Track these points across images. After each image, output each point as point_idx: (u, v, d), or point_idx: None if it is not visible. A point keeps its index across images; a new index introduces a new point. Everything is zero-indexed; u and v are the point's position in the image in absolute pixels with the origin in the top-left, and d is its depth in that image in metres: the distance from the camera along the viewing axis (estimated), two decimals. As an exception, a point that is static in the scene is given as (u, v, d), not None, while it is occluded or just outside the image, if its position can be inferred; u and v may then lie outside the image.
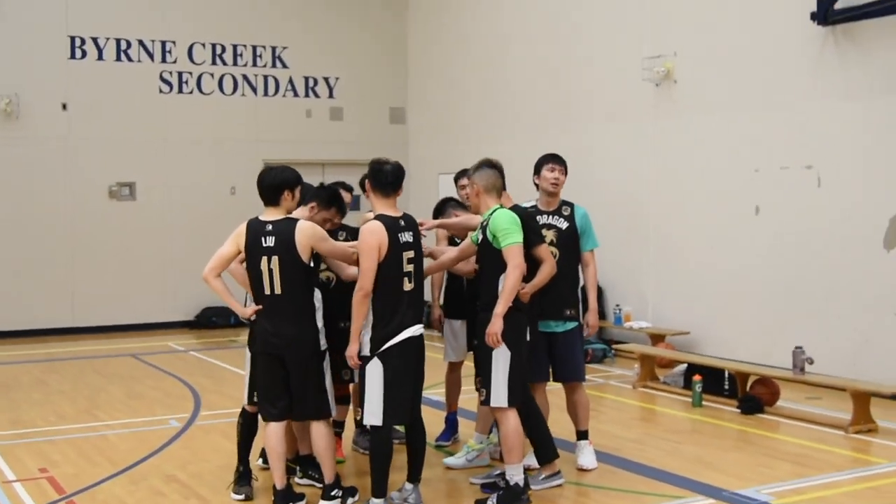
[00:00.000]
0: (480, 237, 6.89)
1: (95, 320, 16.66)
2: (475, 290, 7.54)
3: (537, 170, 7.83)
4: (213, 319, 17.23)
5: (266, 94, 17.88)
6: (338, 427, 8.13)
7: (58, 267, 16.47)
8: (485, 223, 6.87)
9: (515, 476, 6.82)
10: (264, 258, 6.64)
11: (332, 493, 6.83)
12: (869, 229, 10.66)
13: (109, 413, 10.39)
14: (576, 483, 7.50)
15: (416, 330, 6.63)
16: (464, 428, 8.79)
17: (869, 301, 10.68)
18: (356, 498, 6.93)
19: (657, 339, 12.77)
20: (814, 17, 10.93)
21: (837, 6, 10.73)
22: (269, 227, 6.68)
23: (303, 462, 7.52)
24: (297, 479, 7.45)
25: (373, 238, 6.51)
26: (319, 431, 6.80)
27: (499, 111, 16.51)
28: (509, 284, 6.64)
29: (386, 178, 6.74)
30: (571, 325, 7.72)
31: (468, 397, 9.45)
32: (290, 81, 18.06)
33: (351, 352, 6.61)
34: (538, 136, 15.28)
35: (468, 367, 8.19)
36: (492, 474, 7.46)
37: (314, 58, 18.22)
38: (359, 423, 8.52)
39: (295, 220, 6.72)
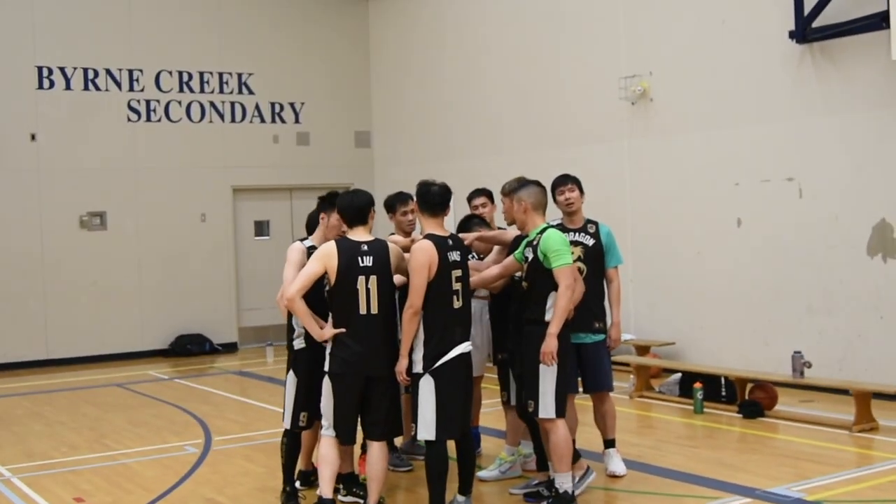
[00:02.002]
0: (530, 255, 7.11)
1: (70, 352, 16.53)
2: (500, 307, 7.81)
3: (552, 191, 8.07)
4: (187, 347, 17.21)
5: (233, 120, 17.97)
6: None
7: (30, 298, 16.33)
8: (535, 242, 7.09)
9: (565, 484, 7.07)
10: (361, 278, 6.75)
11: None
12: (852, 238, 11.14)
13: (120, 442, 10.41)
14: (611, 489, 7.78)
15: (465, 347, 6.87)
16: (485, 442, 9.01)
17: (854, 307, 11.14)
18: None
19: (643, 350, 13.12)
20: (792, 35, 11.40)
21: (815, 24, 11.20)
22: (366, 247, 6.82)
23: (346, 480, 7.66)
24: (341, 497, 7.59)
25: (423, 256, 6.72)
26: (382, 452, 6.95)
27: (467, 132, 16.80)
28: (563, 305, 6.91)
29: (433, 198, 6.99)
30: (599, 336, 8.01)
31: (488, 410, 9.71)
32: (257, 107, 18.17)
33: (400, 367, 6.80)
34: (509, 157, 15.61)
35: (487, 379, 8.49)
36: (531, 483, 7.69)
37: (280, 84, 18.36)
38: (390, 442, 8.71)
39: (384, 241, 6.99)
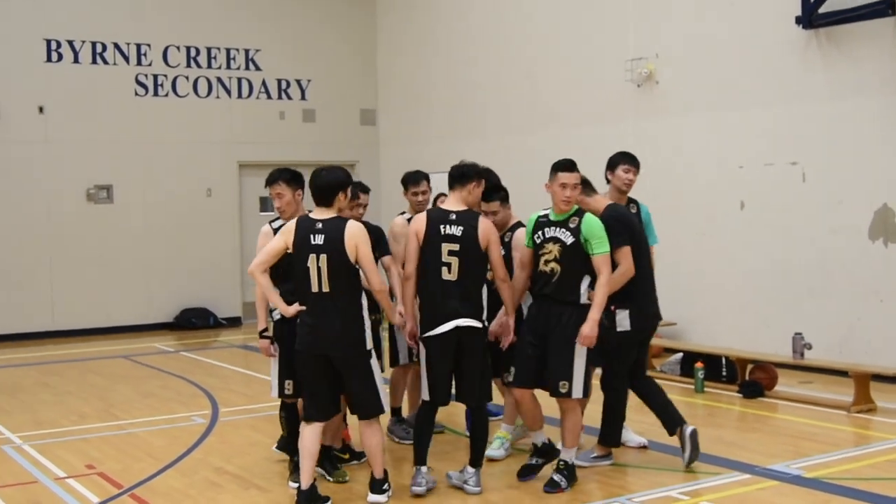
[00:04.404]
0: (566, 238, 7.10)
1: (76, 323, 16.68)
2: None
3: (612, 167, 8.07)
4: (192, 321, 17.36)
5: (240, 96, 18.05)
6: None
7: (37, 270, 16.46)
8: (573, 225, 7.13)
9: (573, 458, 7.33)
10: (312, 256, 6.75)
11: (383, 488, 7.02)
12: (853, 222, 11.26)
13: (128, 412, 10.56)
14: (615, 464, 7.92)
15: (465, 322, 7.03)
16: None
17: (855, 290, 11.28)
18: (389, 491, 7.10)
19: (644, 330, 13.23)
20: (798, 20, 11.49)
21: (822, 10, 11.29)
22: (319, 224, 6.81)
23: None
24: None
25: (411, 226, 7.22)
26: (370, 429, 6.99)
27: (471, 112, 16.89)
28: (606, 292, 7.07)
29: (451, 172, 7.27)
30: None
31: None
32: (264, 83, 18.25)
33: (409, 329, 7.25)
34: (513, 137, 15.74)
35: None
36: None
37: (286, 60, 18.44)
38: (395, 412, 8.85)
39: (345, 220, 6.86)
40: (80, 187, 16.80)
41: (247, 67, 18.10)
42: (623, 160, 8.10)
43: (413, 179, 8.54)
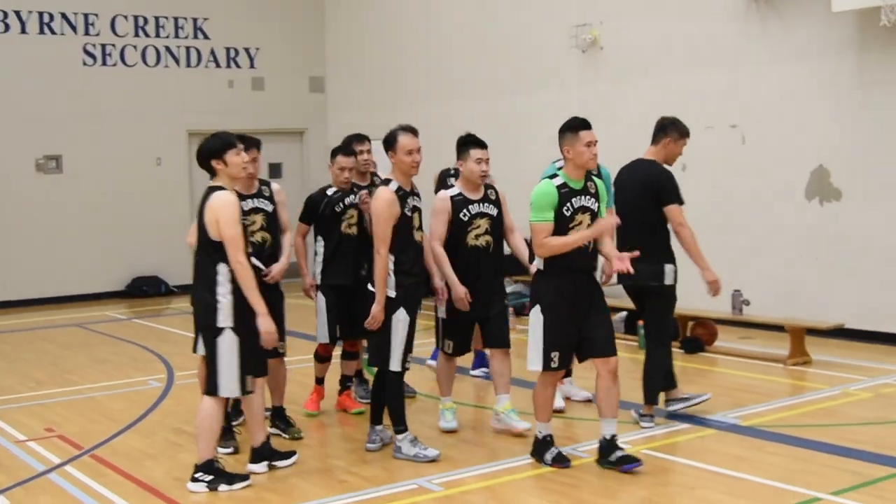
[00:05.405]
0: (596, 205, 6.94)
1: (27, 293, 16.74)
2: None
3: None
4: (143, 288, 17.48)
5: (189, 65, 18.10)
6: (349, 381, 8.73)
7: (-13, 240, 16.49)
8: (594, 190, 6.97)
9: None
10: (194, 226, 6.76)
11: (197, 476, 6.69)
12: (791, 183, 11.64)
13: (83, 377, 10.71)
14: (563, 417, 8.23)
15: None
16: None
17: (792, 248, 11.69)
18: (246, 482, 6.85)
19: (591, 291, 13.57)
20: (737, -14, 11.81)
21: (759, -24, 11.62)
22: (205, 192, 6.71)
23: (274, 413, 7.93)
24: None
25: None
26: (201, 405, 6.71)
27: (420, 78, 17.08)
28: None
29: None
30: None
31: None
32: (212, 52, 18.30)
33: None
34: (459, 103, 15.94)
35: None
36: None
37: (235, 29, 18.49)
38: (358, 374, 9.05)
39: (215, 189, 6.61)
40: (30, 157, 16.81)
41: (195, 36, 18.14)
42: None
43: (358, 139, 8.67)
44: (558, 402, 8.24)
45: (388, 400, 7.24)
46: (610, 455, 6.80)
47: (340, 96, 19.17)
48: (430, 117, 15.16)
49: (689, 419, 8.04)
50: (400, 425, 7.21)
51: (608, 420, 6.87)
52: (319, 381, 8.66)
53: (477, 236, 7.60)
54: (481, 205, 7.67)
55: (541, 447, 7.02)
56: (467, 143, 7.68)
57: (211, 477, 6.66)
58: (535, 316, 6.83)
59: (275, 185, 7.95)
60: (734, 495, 6.27)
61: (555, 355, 6.79)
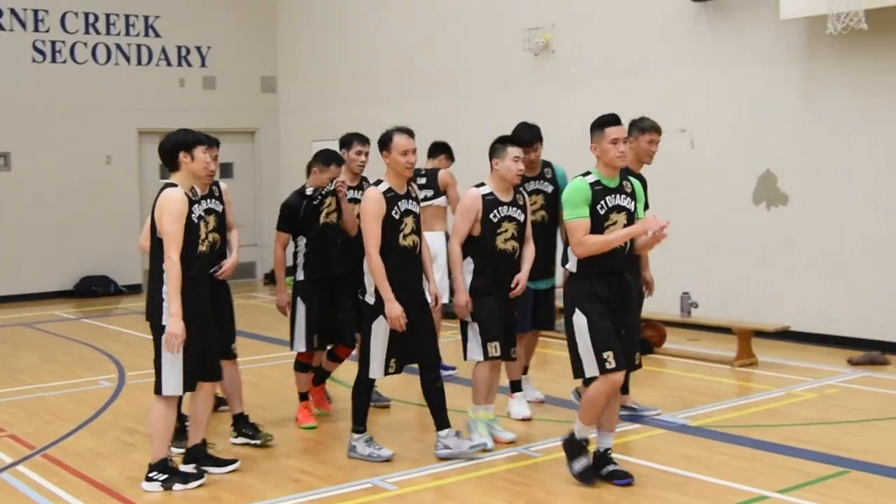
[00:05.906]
0: (632, 205, 6.80)
1: (-27, 292, 16.57)
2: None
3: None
4: (92, 288, 17.35)
5: (139, 63, 17.99)
6: (326, 375, 8.62)
7: (-67, 239, 16.27)
8: (630, 189, 6.81)
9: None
10: (146, 225, 6.73)
11: (151, 476, 6.71)
12: (738, 187, 11.85)
13: (34, 377, 10.65)
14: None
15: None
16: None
17: (740, 251, 11.89)
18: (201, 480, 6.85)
19: (541, 292, 13.69)
20: (687, -7, 12.00)
21: (709, -17, 11.82)
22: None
23: (236, 421, 7.78)
24: (231, 440, 7.71)
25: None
26: (154, 404, 6.72)
27: (371, 79, 17.11)
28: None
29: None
30: (553, 281, 8.46)
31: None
32: (163, 50, 18.21)
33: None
34: (413, 104, 15.99)
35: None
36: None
37: (186, 27, 18.41)
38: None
39: (168, 185, 6.60)
40: (-23, 155, 16.64)
41: (146, 34, 18.04)
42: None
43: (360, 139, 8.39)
44: (526, 411, 8.29)
45: (355, 399, 7.24)
46: (601, 469, 6.65)
47: (292, 96, 19.15)
48: (380, 118, 15.13)
49: (639, 419, 8.17)
50: (360, 426, 7.26)
51: (605, 434, 6.70)
52: (303, 395, 8.29)
53: (505, 240, 7.31)
54: (510, 208, 7.38)
55: (575, 450, 6.68)
56: (505, 140, 7.45)
57: (165, 476, 6.68)
58: (578, 319, 6.44)
59: (223, 185, 7.91)
60: (684, 494, 6.39)
61: (608, 355, 6.36)
